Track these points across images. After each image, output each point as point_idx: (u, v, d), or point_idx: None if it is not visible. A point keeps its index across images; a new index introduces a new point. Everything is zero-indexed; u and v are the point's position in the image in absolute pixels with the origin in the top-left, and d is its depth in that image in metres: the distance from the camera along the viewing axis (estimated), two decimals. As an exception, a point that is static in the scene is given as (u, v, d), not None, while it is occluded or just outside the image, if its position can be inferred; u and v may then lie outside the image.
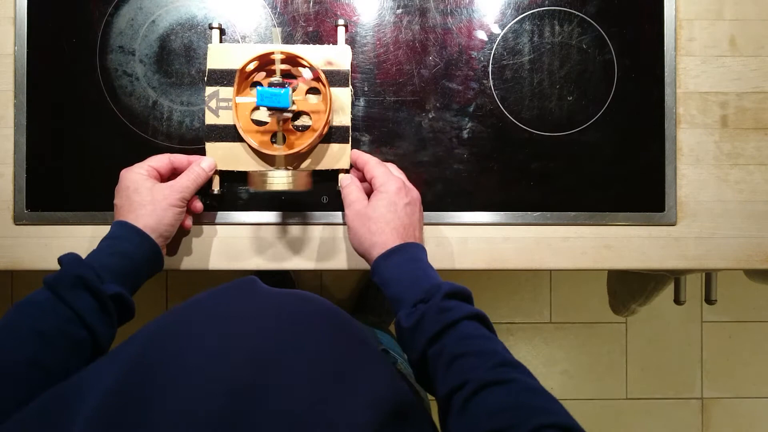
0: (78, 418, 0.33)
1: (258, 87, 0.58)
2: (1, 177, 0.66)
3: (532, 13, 0.67)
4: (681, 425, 1.59)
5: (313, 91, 0.64)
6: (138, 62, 0.67)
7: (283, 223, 0.66)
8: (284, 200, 0.66)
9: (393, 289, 0.54)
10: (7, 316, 0.50)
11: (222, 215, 0.66)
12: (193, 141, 0.66)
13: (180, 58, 0.67)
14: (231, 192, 0.66)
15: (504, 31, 0.67)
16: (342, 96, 0.64)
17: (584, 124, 0.67)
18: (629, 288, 1.11)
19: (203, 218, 0.66)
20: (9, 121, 0.66)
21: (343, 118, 0.64)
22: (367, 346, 0.46)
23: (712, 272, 1.03)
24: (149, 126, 0.66)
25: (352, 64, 0.65)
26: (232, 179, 0.66)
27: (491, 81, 0.67)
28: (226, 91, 0.64)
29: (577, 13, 0.67)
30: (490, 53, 0.67)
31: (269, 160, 0.64)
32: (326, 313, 0.47)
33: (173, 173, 0.62)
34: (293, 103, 0.59)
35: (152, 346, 0.39)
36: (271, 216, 0.66)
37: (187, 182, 0.60)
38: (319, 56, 0.64)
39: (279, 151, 0.61)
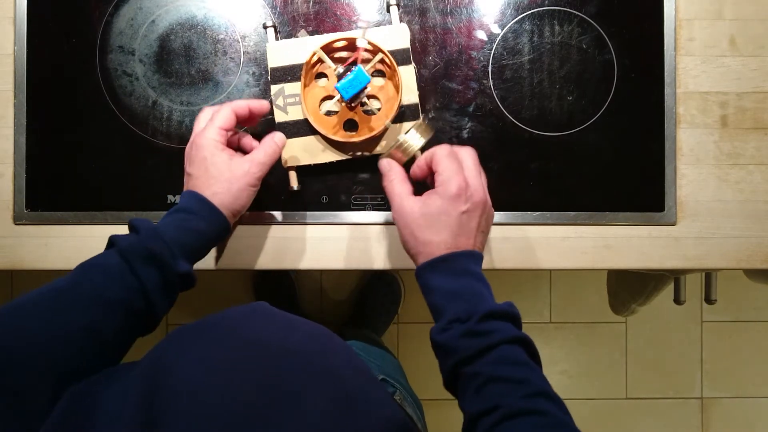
0: None
1: (335, 85, 0.58)
2: (1, 177, 0.66)
3: (532, 13, 0.67)
4: (681, 425, 1.59)
5: (376, 74, 0.64)
6: (138, 62, 0.67)
7: (283, 223, 0.66)
8: (284, 200, 0.66)
9: (433, 299, 0.52)
10: (72, 276, 0.48)
11: (222, 215, 0.66)
12: (193, 141, 0.66)
13: (180, 58, 0.67)
14: (231, 192, 0.66)
15: (504, 31, 0.67)
16: (406, 74, 0.64)
17: (584, 124, 0.67)
18: (629, 288, 1.11)
19: (203, 218, 0.66)
20: (9, 121, 0.66)
21: (410, 96, 0.64)
22: (370, 375, 0.46)
23: (712, 272, 1.03)
24: (149, 126, 0.66)
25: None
26: (308, 174, 0.66)
27: (491, 81, 0.67)
28: (291, 87, 0.64)
29: (577, 13, 0.67)
30: (490, 53, 0.67)
31: (344, 148, 0.64)
32: (334, 346, 0.47)
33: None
34: (368, 96, 0.60)
35: (154, 374, 0.39)
36: (271, 216, 0.66)
37: (264, 158, 0.58)
38: (378, 38, 0.63)
39: (355, 137, 0.62)
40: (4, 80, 0.66)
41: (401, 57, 0.63)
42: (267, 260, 0.67)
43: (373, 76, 0.64)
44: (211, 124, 0.57)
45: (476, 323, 0.47)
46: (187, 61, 0.67)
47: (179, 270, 0.51)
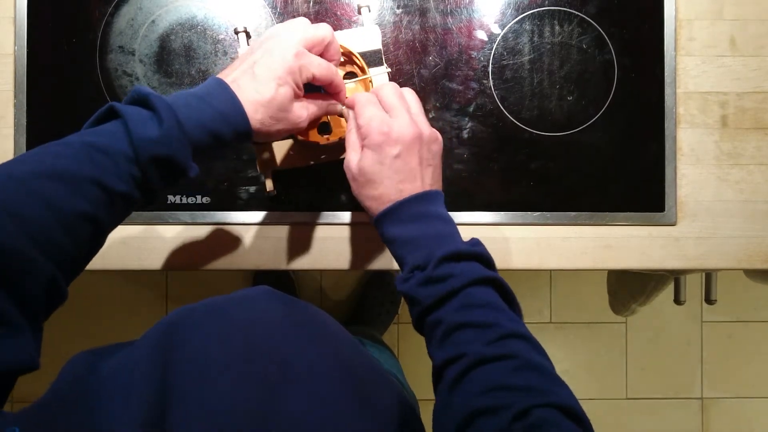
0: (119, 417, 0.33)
1: None
2: (1, 177, 0.66)
3: (532, 13, 0.67)
4: (681, 425, 1.59)
5: (349, 76, 0.64)
6: (138, 62, 0.67)
7: (283, 223, 0.66)
8: (284, 200, 0.66)
9: (393, 250, 0.50)
10: (73, 156, 0.42)
11: (221, 215, 0.66)
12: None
13: (180, 58, 0.67)
14: (231, 192, 0.66)
15: (504, 31, 0.67)
16: (379, 76, 0.63)
17: (584, 124, 0.67)
18: (629, 288, 1.11)
19: (203, 218, 0.66)
20: (9, 121, 0.66)
21: None
22: (366, 354, 0.47)
23: (712, 272, 1.03)
24: (149, 126, 0.66)
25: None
26: (305, 174, 0.65)
27: (491, 81, 0.67)
28: None
29: (577, 13, 0.67)
30: (490, 53, 0.67)
31: (319, 150, 0.62)
32: (338, 329, 0.48)
33: None
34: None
35: (170, 339, 0.39)
36: (271, 216, 0.66)
37: (318, 112, 0.52)
38: (349, 39, 0.63)
39: (331, 138, 0.61)
40: (4, 80, 0.66)
41: (373, 59, 0.63)
42: (267, 260, 0.67)
43: (345, 78, 0.63)
44: (309, 34, 0.50)
45: (434, 269, 0.45)
46: (188, 62, 0.67)
47: (190, 175, 0.46)
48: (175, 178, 0.46)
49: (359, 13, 0.64)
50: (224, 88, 0.46)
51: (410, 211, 0.49)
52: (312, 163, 0.62)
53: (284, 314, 0.45)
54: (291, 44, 0.48)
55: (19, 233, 0.37)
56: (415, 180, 0.49)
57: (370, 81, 0.60)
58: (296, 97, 0.49)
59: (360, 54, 0.60)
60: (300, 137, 0.59)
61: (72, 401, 0.35)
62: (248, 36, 0.63)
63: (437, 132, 0.52)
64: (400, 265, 0.50)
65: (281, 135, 0.50)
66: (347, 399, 0.39)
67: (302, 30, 0.50)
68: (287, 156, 0.62)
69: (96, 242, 0.44)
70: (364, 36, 0.62)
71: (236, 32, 0.62)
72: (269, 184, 0.63)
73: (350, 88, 0.63)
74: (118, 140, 0.42)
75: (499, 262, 0.67)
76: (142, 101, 0.44)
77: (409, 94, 0.53)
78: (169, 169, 0.44)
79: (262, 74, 0.47)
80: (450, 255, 0.46)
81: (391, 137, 0.49)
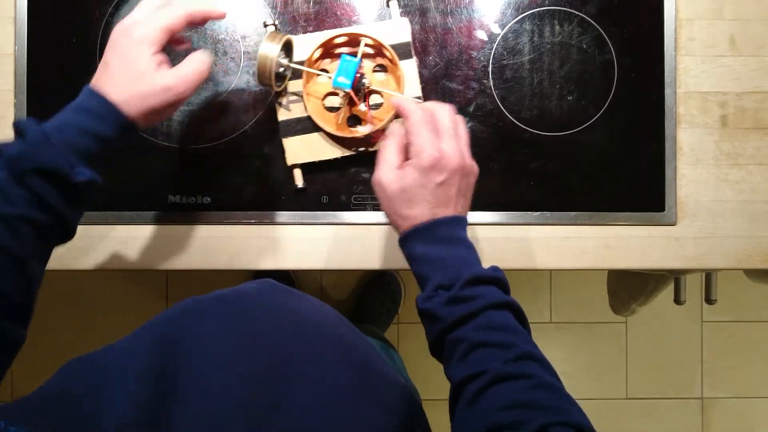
0: (111, 408, 0.33)
1: (333, 84, 0.58)
2: (1, 177, 0.66)
3: (532, 13, 0.67)
4: (681, 425, 1.59)
5: (379, 68, 0.64)
6: (138, 62, 0.67)
7: (283, 223, 0.66)
8: (284, 200, 0.66)
9: (417, 268, 0.51)
10: None
11: (221, 215, 0.66)
12: (194, 141, 0.66)
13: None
14: (231, 191, 0.66)
15: (504, 30, 0.67)
16: (408, 68, 0.64)
17: (584, 124, 0.67)
18: (629, 288, 1.11)
19: (203, 218, 0.66)
20: (9, 121, 0.66)
21: (412, 89, 0.64)
22: (370, 347, 0.47)
23: (712, 272, 1.03)
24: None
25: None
26: (309, 173, 0.65)
27: (491, 81, 0.67)
28: (293, 85, 0.64)
29: (577, 13, 0.67)
30: (490, 53, 0.67)
31: (347, 143, 0.64)
32: (342, 321, 0.48)
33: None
34: (364, 75, 0.60)
35: (175, 327, 0.39)
36: (271, 216, 0.66)
37: (192, 76, 0.51)
38: (378, 32, 0.63)
39: (358, 132, 0.62)
40: (4, 80, 0.66)
41: (402, 51, 0.64)
42: (267, 260, 0.67)
43: (374, 71, 0.64)
44: (155, 20, 0.50)
45: (460, 289, 0.46)
46: (187, 61, 0.67)
47: (78, 179, 0.45)
48: (72, 190, 0.46)
49: (387, 5, 0.65)
50: (88, 92, 0.48)
51: (442, 233, 0.50)
52: (340, 156, 0.64)
53: (289, 308, 0.45)
54: (144, 40, 0.49)
55: None
56: (450, 207, 0.51)
57: (401, 74, 0.60)
58: (159, 59, 0.50)
59: (390, 46, 0.61)
60: (328, 130, 0.61)
61: (66, 393, 0.35)
62: (276, 29, 0.64)
63: (476, 165, 0.54)
64: (421, 283, 0.50)
65: (166, 110, 0.50)
66: (352, 392, 0.39)
67: (154, 23, 0.49)
68: (315, 149, 0.64)
69: (21, 275, 0.44)
70: (394, 28, 0.63)
71: (265, 25, 0.64)
72: (298, 178, 0.64)
73: (380, 79, 0.63)
74: None
75: (499, 262, 0.67)
76: (16, 131, 0.46)
77: (461, 122, 0.54)
78: (55, 180, 0.45)
79: (112, 61, 0.49)
80: (475, 278, 0.47)
81: (441, 163, 0.49)
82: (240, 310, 0.43)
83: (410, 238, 0.51)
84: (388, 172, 0.51)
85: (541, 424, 0.38)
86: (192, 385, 0.35)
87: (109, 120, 0.47)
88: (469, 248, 0.51)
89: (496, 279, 0.49)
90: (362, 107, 0.62)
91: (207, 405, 0.34)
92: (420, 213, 0.50)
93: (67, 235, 0.49)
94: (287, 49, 0.59)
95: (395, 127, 0.54)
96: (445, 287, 0.48)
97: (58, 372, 0.39)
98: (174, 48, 0.55)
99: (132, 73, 0.48)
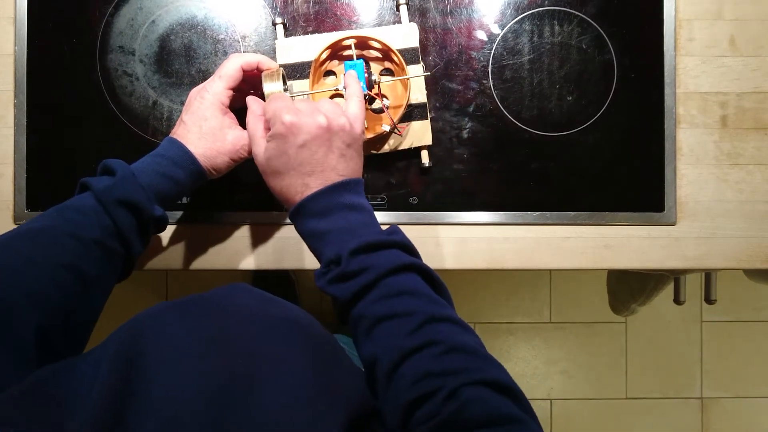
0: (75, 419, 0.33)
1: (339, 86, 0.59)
2: (1, 177, 0.66)
3: (531, 13, 0.67)
4: (681, 425, 1.59)
5: (385, 72, 0.64)
6: (138, 62, 0.67)
7: (283, 223, 0.66)
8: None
9: (310, 245, 0.50)
10: (47, 217, 0.49)
11: (221, 215, 0.66)
12: (193, 141, 0.66)
13: (180, 58, 0.67)
14: (231, 192, 0.66)
15: (504, 31, 0.67)
16: (415, 73, 0.64)
17: (584, 124, 0.67)
18: (629, 288, 1.11)
19: (203, 218, 0.66)
20: (9, 121, 0.66)
21: (419, 94, 0.64)
22: (339, 352, 0.46)
23: (712, 272, 1.03)
24: (149, 126, 0.66)
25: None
26: None
27: (491, 81, 0.67)
28: (300, 85, 0.64)
29: (576, 13, 0.67)
30: (490, 53, 0.67)
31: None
32: (301, 320, 0.47)
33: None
34: (372, 72, 0.61)
35: (134, 338, 0.38)
36: (270, 216, 0.66)
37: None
38: (387, 36, 0.63)
39: (383, 130, 0.62)
40: (4, 80, 0.66)
41: (410, 56, 0.63)
42: (267, 260, 0.67)
43: (381, 74, 0.64)
44: (219, 80, 0.55)
45: (347, 264, 0.45)
46: (188, 62, 0.67)
47: (155, 214, 0.52)
48: (145, 224, 0.52)
49: (397, 9, 0.65)
50: (171, 141, 0.55)
51: (319, 205, 0.48)
52: None
53: (258, 309, 0.45)
54: (215, 99, 0.56)
55: (4, 285, 0.42)
56: (325, 171, 0.48)
57: (409, 80, 0.61)
58: (229, 120, 0.56)
59: (398, 50, 0.61)
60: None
61: (33, 397, 0.35)
62: (285, 28, 0.65)
63: (355, 122, 0.51)
64: (318, 260, 0.49)
65: (230, 164, 0.57)
66: (317, 393, 0.39)
67: (220, 83, 0.56)
68: None
69: (86, 292, 0.47)
70: (403, 33, 0.63)
71: (274, 24, 0.65)
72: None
73: (388, 84, 0.63)
74: (84, 198, 0.51)
75: (499, 262, 0.67)
76: (104, 170, 0.53)
77: (352, 81, 0.56)
78: (135, 212, 0.51)
79: (188, 120, 0.56)
80: (361, 247, 0.45)
81: (295, 125, 0.48)
82: (205, 312, 0.42)
83: (295, 217, 0.49)
84: (258, 143, 0.51)
85: (453, 388, 0.37)
86: (150, 385, 0.34)
87: (186, 168, 0.54)
88: (360, 212, 0.48)
89: (392, 242, 0.46)
90: (385, 102, 0.63)
91: (163, 403, 0.34)
92: (292, 182, 0.48)
93: (126, 270, 0.54)
94: (284, 80, 0.59)
95: (254, 104, 0.54)
96: (334, 262, 0.46)
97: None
98: (243, 89, 0.59)
99: (205, 131, 0.55)
